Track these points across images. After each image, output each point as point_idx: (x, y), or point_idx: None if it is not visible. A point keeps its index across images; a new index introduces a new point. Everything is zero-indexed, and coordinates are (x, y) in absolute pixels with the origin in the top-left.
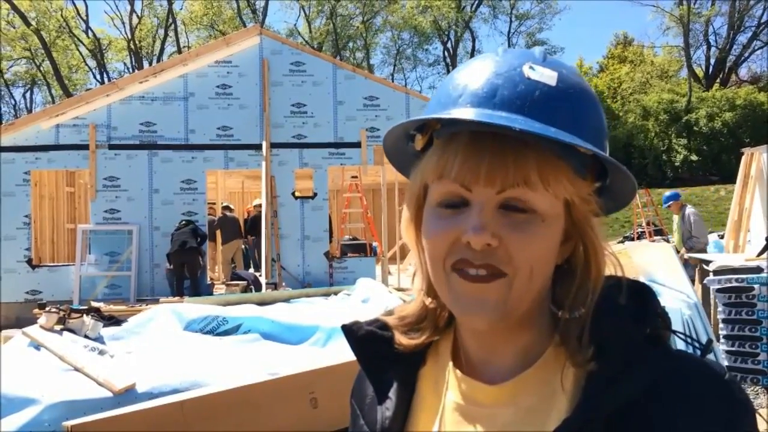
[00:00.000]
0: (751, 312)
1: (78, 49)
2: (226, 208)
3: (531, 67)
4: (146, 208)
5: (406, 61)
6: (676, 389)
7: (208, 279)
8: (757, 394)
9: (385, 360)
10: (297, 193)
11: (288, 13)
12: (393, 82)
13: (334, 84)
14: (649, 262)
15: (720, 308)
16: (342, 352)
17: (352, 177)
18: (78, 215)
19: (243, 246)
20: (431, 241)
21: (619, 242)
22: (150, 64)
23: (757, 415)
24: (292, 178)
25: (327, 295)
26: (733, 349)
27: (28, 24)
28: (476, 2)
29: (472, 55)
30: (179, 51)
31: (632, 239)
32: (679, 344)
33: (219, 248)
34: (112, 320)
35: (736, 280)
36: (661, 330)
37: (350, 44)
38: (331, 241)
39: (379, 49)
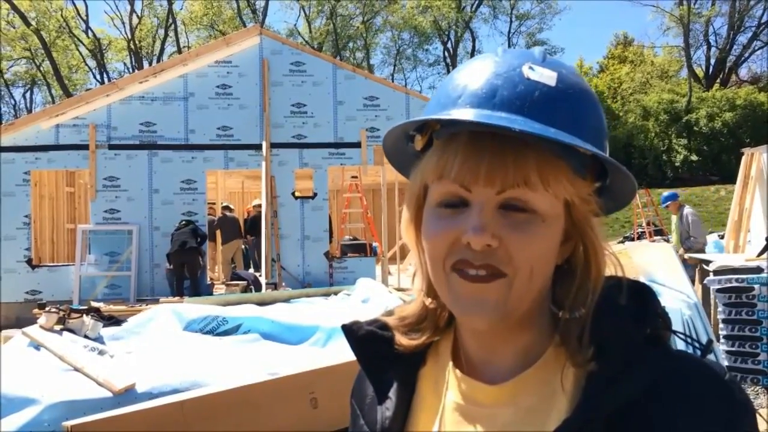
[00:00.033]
0: (751, 312)
1: (78, 49)
2: (226, 208)
3: (530, 68)
4: (146, 208)
5: (406, 61)
6: (676, 389)
7: (208, 279)
8: (757, 394)
9: (385, 360)
10: (297, 193)
11: (288, 13)
12: (393, 82)
13: (334, 84)
14: (649, 262)
15: (720, 308)
16: (342, 352)
17: (352, 177)
18: (78, 215)
19: (243, 246)
20: (431, 242)
21: (619, 242)
22: (150, 64)
23: (757, 416)
24: (292, 178)
25: (327, 295)
26: (733, 349)
27: (28, 24)
28: (476, 2)
29: (472, 55)
30: (179, 51)
31: (632, 239)
32: (679, 344)
33: (219, 248)
34: (112, 320)
35: (736, 280)
36: (662, 330)
37: (350, 44)
38: (331, 241)
39: (379, 49)
